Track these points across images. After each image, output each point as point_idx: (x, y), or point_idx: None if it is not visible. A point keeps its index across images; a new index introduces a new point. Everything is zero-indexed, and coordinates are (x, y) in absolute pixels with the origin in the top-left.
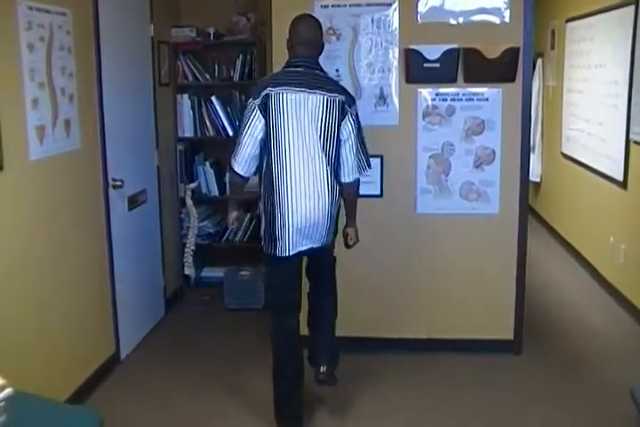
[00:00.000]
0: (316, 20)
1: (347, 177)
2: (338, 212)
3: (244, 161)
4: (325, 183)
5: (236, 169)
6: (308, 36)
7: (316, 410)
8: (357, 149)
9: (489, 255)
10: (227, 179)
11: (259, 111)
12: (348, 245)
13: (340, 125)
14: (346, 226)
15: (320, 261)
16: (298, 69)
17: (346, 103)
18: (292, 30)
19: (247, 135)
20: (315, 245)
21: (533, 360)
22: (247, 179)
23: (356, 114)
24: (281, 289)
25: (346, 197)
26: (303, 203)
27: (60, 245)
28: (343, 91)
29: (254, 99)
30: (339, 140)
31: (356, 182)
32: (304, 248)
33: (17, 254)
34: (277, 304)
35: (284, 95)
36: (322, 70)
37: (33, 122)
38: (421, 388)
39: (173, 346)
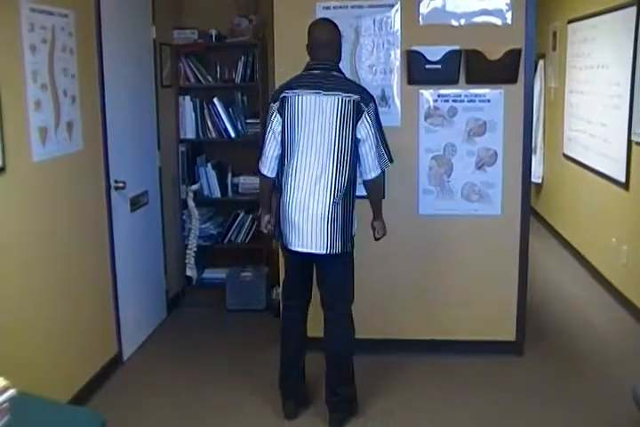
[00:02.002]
0: (331, 23)
1: (368, 174)
2: (348, 221)
3: (268, 162)
4: (328, 185)
5: (261, 170)
6: (323, 38)
7: (320, 408)
8: (377, 146)
9: (491, 256)
10: (229, 180)
11: (278, 114)
12: (375, 238)
13: (356, 125)
14: (372, 220)
15: (326, 273)
16: (314, 72)
17: (361, 102)
18: (308, 35)
19: (269, 138)
20: (316, 251)
21: (535, 361)
22: (274, 180)
23: (375, 112)
24: (287, 273)
25: (370, 193)
26: (301, 198)
27: (62, 247)
28: (360, 90)
29: (273, 102)
30: (356, 140)
31: (379, 178)
32: (305, 250)
33: (19, 256)
34: (283, 287)
35: (300, 97)
36: (340, 71)
37: (35, 123)
38: (423, 389)
39: (175, 347)
